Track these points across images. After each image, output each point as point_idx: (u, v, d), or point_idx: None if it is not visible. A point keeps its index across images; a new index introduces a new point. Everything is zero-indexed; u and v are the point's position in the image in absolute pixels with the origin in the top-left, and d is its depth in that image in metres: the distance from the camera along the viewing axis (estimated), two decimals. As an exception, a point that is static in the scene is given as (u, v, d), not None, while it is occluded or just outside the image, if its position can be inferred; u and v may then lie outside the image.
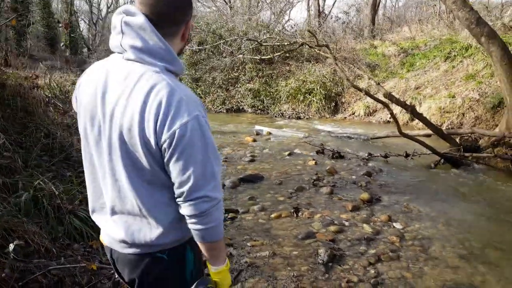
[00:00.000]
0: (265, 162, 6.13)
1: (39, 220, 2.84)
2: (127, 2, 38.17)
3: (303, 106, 11.66)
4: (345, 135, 8.50)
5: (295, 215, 4.04)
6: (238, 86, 12.45)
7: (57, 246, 2.72)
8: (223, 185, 4.88)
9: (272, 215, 4.00)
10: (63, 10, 32.94)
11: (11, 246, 1.93)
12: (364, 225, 3.80)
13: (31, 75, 5.34)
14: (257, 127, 9.05)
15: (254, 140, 7.62)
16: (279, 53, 9.34)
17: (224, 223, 3.79)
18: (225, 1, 19.23)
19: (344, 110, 11.61)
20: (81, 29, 35.08)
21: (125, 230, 1.21)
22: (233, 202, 4.40)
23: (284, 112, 11.52)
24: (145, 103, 1.07)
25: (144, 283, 1.27)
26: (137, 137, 1.10)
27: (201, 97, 12.57)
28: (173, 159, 1.10)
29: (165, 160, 1.12)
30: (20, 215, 2.73)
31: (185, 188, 1.12)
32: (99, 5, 36.08)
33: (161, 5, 1.12)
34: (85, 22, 36.67)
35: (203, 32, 12.79)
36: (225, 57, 11.93)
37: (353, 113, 11.21)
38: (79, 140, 1.30)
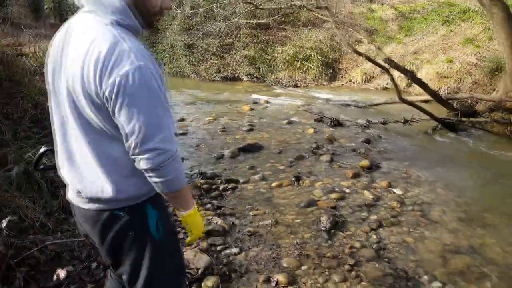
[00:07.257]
0: (264, 131, 6.10)
1: (32, 194, 2.77)
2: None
3: (300, 73, 11.47)
4: (343, 102, 8.44)
5: (296, 183, 4.07)
6: (233, 53, 12.16)
7: (53, 220, 2.68)
8: (222, 155, 4.88)
9: (273, 184, 4.03)
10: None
11: (4, 223, 1.89)
12: (365, 191, 3.85)
13: (13, 42, 5.15)
14: (254, 96, 8.95)
15: (252, 109, 7.55)
16: (275, 17, 8.99)
17: (224, 193, 3.85)
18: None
19: (342, 77, 11.46)
20: (66, -8, 34.07)
21: (79, 181, 1.22)
22: (233, 172, 4.40)
23: (280, 80, 11.31)
24: (86, 53, 1.07)
25: (106, 239, 1.26)
26: (79, 87, 1.10)
27: (194, 65, 12.31)
28: (116, 109, 1.07)
29: (110, 111, 1.09)
30: (11, 189, 2.64)
31: (132, 139, 1.09)
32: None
33: None
34: (69, -16, 35.48)
35: None
36: (219, 21, 11.50)
37: (351, 80, 11.08)
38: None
